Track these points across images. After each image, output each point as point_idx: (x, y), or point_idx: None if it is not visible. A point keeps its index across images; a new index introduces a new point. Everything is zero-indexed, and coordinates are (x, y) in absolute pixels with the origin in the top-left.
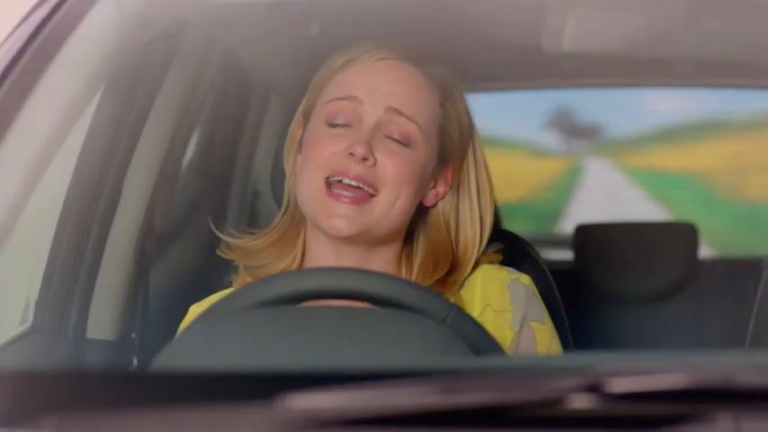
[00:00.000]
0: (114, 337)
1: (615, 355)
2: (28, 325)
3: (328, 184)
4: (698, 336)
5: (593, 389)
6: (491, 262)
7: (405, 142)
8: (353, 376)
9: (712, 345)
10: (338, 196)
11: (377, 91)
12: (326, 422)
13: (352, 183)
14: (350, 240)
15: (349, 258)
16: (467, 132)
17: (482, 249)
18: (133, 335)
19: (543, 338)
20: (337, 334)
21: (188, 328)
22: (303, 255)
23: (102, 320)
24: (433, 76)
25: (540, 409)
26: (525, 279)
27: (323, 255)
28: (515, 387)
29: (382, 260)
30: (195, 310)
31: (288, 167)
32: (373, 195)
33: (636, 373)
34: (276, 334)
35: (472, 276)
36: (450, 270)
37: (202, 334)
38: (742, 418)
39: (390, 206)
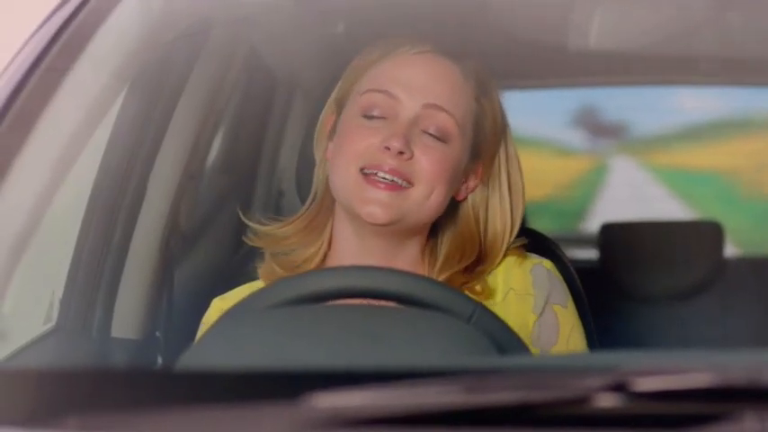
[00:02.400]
0: (139, 335)
1: (641, 353)
2: (52, 324)
3: (364, 174)
4: (723, 334)
5: (619, 388)
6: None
7: (441, 137)
8: (378, 375)
9: (738, 343)
10: (375, 182)
11: (414, 86)
12: (351, 421)
13: (387, 176)
14: (380, 230)
15: (375, 251)
16: (500, 128)
17: (511, 242)
18: (158, 333)
19: (566, 322)
20: (362, 333)
21: (211, 327)
22: (329, 244)
23: (127, 319)
24: (470, 71)
25: (566, 407)
26: (547, 263)
27: (348, 247)
28: (541, 386)
29: (407, 253)
30: (218, 304)
31: (318, 155)
32: (407, 188)
33: (662, 372)
34: (301, 333)
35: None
36: (477, 261)
37: (226, 333)
38: None
39: (425, 199)
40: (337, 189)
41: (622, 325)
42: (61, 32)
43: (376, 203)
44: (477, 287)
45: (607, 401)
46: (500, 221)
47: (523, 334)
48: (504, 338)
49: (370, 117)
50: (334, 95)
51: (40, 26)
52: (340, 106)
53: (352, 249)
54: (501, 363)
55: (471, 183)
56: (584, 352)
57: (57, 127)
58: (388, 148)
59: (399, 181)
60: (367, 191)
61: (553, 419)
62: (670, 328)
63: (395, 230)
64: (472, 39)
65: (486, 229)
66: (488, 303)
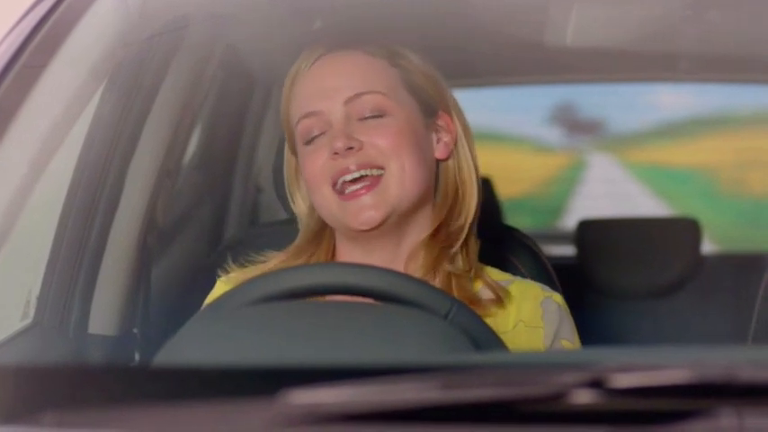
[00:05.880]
0: (116, 332)
1: (618, 350)
2: (29, 320)
3: (338, 191)
4: (701, 331)
5: (596, 384)
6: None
7: (378, 114)
8: (356, 371)
9: (715, 340)
10: (353, 194)
11: (326, 92)
12: (328, 417)
13: (356, 175)
14: (381, 229)
15: (378, 255)
16: (436, 79)
17: (478, 201)
18: (135, 330)
19: None
20: (340, 329)
21: (187, 324)
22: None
23: (104, 316)
24: (373, 48)
25: (543, 404)
26: (558, 297)
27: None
28: (518, 382)
29: (412, 246)
30: (223, 285)
31: (294, 200)
32: (381, 175)
33: (639, 368)
34: (278, 329)
35: (508, 292)
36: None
37: (202, 330)
38: (745, 413)
39: (402, 174)
40: (327, 217)
41: (599, 322)
42: (38, 29)
43: (365, 209)
44: (460, 263)
45: (584, 398)
46: (468, 177)
47: None
48: (480, 335)
49: (311, 140)
50: (286, 145)
51: (17, 23)
52: (293, 149)
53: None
54: (478, 359)
55: (447, 137)
56: (560, 349)
57: (34, 124)
58: (337, 153)
59: (369, 171)
60: (351, 205)
61: (530, 416)
62: (647, 324)
63: (397, 221)
64: (450, 36)
65: (462, 183)
66: (498, 331)
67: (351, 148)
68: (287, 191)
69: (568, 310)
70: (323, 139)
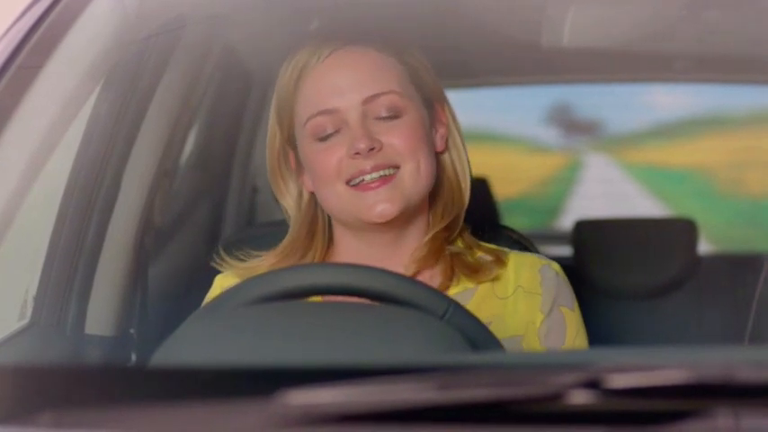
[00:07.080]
0: (113, 332)
1: (614, 350)
2: (26, 320)
3: (352, 186)
4: (697, 331)
5: (593, 384)
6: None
7: (395, 114)
8: (352, 372)
9: (712, 340)
10: (366, 186)
11: (343, 90)
12: (325, 418)
13: (374, 176)
14: (387, 227)
15: (380, 247)
16: (432, 71)
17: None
18: (132, 330)
19: (572, 324)
20: (337, 329)
21: (183, 324)
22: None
23: (101, 316)
24: (382, 44)
25: (539, 404)
26: (555, 266)
27: (352, 255)
28: (514, 382)
29: (414, 238)
30: (221, 281)
31: (279, 191)
32: (395, 173)
33: (635, 368)
34: (275, 330)
35: (505, 261)
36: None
37: (199, 330)
38: (742, 413)
39: (416, 173)
40: (338, 212)
41: (596, 322)
42: (35, 30)
43: (381, 202)
44: (460, 243)
45: (580, 398)
46: (463, 166)
47: (531, 330)
48: (477, 335)
49: (325, 138)
50: (282, 135)
51: (14, 24)
52: (292, 141)
53: (356, 257)
54: (474, 359)
55: (441, 129)
56: (584, 342)
57: (31, 125)
58: (358, 153)
59: (386, 171)
60: (365, 198)
61: (527, 416)
62: (644, 325)
63: (404, 216)
64: (446, 36)
65: (461, 179)
66: (498, 299)
67: (372, 148)
68: (269, 180)
69: (566, 279)
70: (339, 137)
